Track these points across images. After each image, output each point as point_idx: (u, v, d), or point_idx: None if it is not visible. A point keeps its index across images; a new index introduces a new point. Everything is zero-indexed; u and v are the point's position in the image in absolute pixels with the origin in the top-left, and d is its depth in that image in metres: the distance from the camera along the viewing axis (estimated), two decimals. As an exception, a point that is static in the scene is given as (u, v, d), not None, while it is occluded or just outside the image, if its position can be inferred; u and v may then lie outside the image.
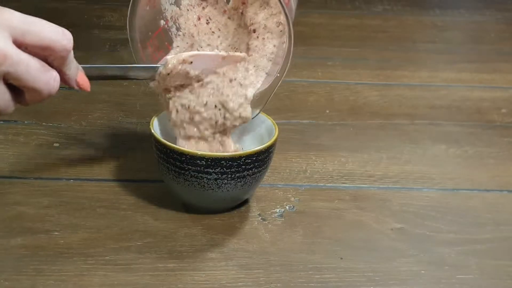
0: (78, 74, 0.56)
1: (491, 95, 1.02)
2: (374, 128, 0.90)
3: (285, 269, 0.63)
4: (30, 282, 0.59)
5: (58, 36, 0.51)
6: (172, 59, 0.63)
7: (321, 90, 1.00)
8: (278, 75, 0.67)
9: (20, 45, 0.49)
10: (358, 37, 1.22)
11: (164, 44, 0.70)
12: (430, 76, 1.07)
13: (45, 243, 0.64)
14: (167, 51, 0.70)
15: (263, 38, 0.68)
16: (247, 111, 0.67)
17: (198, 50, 0.69)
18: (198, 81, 0.65)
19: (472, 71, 1.10)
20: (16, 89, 0.51)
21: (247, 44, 0.68)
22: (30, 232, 0.65)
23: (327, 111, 0.94)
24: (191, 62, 0.64)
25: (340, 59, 1.11)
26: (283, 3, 0.62)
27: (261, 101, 0.68)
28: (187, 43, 0.70)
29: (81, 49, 1.07)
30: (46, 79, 0.51)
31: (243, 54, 0.67)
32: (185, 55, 0.64)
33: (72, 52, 0.53)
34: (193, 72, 0.64)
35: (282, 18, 0.65)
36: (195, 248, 0.65)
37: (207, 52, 0.66)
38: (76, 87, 0.56)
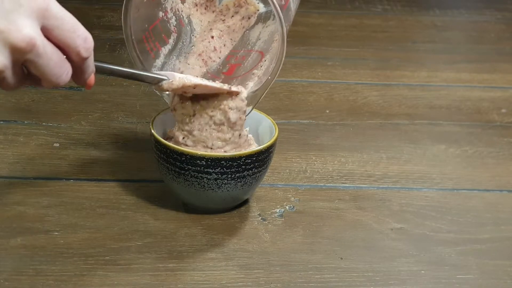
0: (90, 76, 0.56)
1: (491, 95, 1.02)
2: (373, 128, 0.90)
3: (285, 269, 0.63)
4: (30, 282, 0.59)
5: (80, 42, 0.51)
6: (179, 80, 0.63)
7: (320, 90, 1.00)
8: (270, 77, 0.67)
9: (46, 35, 0.50)
10: (357, 37, 1.22)
11: (161, 36, 0.70)
12: (430, 76, 1.07)
13: (45, 243, 0.64)
14: (163, 43, 0.69)
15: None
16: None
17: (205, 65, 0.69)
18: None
19: (472, 71, 1.10)
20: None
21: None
22: (30, 232, 0.65)
23: (327, 111, 0.94)
24: (194, 87, 0.64)
25: (339, 59, 1.11)
26: (276, 4, 0.61)
27: (253, 101, 0.68)
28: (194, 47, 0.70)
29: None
30: (60, 73, 0.51)
31: (241, 89, 0.67)
32: (191, 82, 0.64)
33: (89, 58, 0.53)
34: (191, 92, 0.65)
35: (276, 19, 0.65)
36: (195, 248, 0.65)
37: (213, 83, 0.65)
38: (80, 85, 0.56)
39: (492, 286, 0.63)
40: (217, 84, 0.65)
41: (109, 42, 1.09)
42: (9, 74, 0.49)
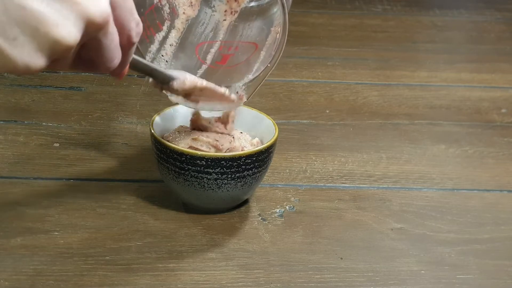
0: (127, 66, 0.52)
1: (491, 95, 1.02)
2: (373, 128, 0.90)
3: (285, 269, 0.63)
4: (30, 282, 0.59)
5: (133, 26, 0.48)
6: (191, 81, 0.63)
7: (320, 90, 1.00)
8: (269, 65, 0.66)
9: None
10: (357, 37, 1.22)
11: (155, 22, 0.69)
12: (430, 76, 1.08)
13: (45, 243, 0.64)
14: (157, 30, 0.69)
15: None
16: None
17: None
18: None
19: (472, 71, 1.10)
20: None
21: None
22: (30, 232, 0.65)
23: (327, 111, 0.94)
24: (202, 90, 0.64)
25: (339, 59, 1.11)
26: None
27: (250, 89, 0.68)
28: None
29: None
30: (114, 56, 0.48)
31: (242, 98, 0.68)
32: (202, 84, 0.63)
33: (135, 45, 0.50)
34: (198, 95, 0.65)
35: (278, 7, 0.65)
36: (195, 248, 0.65)
37: (219, 88, 0.65)
38: (114, 75, 0.52)
39: (492, 286, 0.63)
40: (222, 89, 0.65)
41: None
42: (72, 52, 0.45)
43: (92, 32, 0.45)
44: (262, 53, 0.68)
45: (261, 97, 0.94)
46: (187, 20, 0.70)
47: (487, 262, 0.65)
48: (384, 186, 0.77)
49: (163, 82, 0.61)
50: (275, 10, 0.68)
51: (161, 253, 0.64)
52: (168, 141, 0.67)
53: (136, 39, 0.49)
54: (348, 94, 0.99)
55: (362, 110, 0.95)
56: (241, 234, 0.67)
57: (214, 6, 0.69)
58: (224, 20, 0.69)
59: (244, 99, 0.68)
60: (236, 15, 0.69)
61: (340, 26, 1.26)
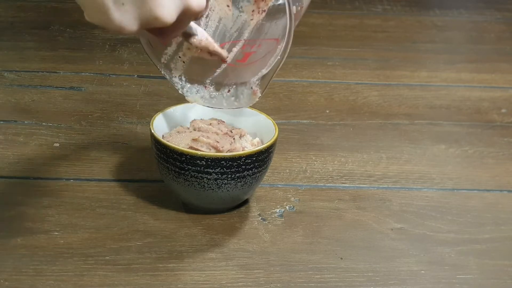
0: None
1: (491, 95, 1.02)
2: (373, 128, 0.90)
3: (285, 269, 0.63)
4: (30, 282, 0.59)
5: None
6: (207, 41, 0.64)
7: (320, 90, 1.00)
8: (279, 57, 0.67)
9: None
10: (357, 37, 1.22)
11: None
12: (430, 76, 1.08)
13: (45, 243, 0.64)
14: None
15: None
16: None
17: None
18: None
19: (472, 71, 1.10)
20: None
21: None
22: (30, 232, 0.65)
23: (327, 111, 0.94)
24: (211, 54, 0.65)
25: (340, 59, 1.11)
26: None
27: (264, 82, 0.68)
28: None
29: (82, 49, 1.07)
30: (182, 29, 0.56)
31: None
32: (214, 48, 0.65)
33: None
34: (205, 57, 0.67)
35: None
36: (195, 248, 0.65)
37: (223, 51, 0.66)
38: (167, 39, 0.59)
39: (492, 286, 0.63)
40: (224, 52, 0.66)
41: (109, 42, 1.09)
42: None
43: (184, 18, 0.52)
44: (279, 47, 0.68)
45: (261, 97, 0.94)
46: (219, 21, 0.70)
47: (487, 262, 0.65)
48: (384, 186, 0.77)
49: (187, 35, 0.64)
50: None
51: (161, 253, 0.64)
52: (168, 141, 0.67)
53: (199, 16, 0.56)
54: (348, 94, 0.99)
55: (362, 110, 0.95)
56: (241, 234, 0.67)
57: (241, 7, 0.69)
58: (252, 19, 0.69)
59: (259, 94, 0.68)
60: (263, 14, 0.69)
61: (340, 26, 1.26)
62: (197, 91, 0.70)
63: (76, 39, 1.09)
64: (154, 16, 0.50)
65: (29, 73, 0.98)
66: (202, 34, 0.64)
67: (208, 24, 0.69)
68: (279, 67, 0.67)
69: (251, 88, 0.68)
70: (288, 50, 0.66)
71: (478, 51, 1.20)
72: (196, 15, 0.53)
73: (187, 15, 0.52)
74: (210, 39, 0.65)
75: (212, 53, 0.66)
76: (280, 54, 0.66)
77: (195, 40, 0.64)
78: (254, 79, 0.69)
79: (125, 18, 0.50)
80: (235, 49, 0.70)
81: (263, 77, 0.68)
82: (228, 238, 0.66)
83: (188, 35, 0.64)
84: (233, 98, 0.70)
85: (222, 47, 0.68)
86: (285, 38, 0.65)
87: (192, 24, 0.64)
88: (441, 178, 0.79)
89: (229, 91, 0.70)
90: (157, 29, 0.54)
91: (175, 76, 0.70)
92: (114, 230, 0.66)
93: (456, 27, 1.33)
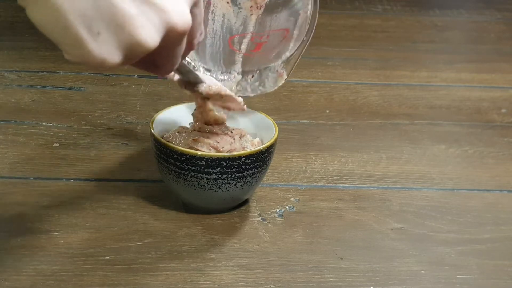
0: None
1: (491, 95, 1.02)
2: (373, 128, 0.90)
3: (285, 269, 0.63)
4: (30, 282, 0.59)
5: (197, 35, 0.51)
6: (216, 87, 0.65)
7: (320, 90, 1.00)
8: (305, 38, 0.67)
9: None
10: (358, 37, 1.22)
11: None
12: (430, 76, 1.08)
13: (45, 243, 0.64)
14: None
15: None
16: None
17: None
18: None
19: (472, 71, 1.10)
20: None
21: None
22: (30, 232, 0.65)
23: (327, 111, 0.94)
24: (222, 97, 0.66)
25: (339, 59, 1.11)
26: None
27: (289, 65, 0.69)
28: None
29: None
30: (176, 62, 0.50)
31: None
32: (225, 92, 0.65)
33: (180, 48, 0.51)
34: (217, 100, 0.67)
35: None
36: (195, 248, 0.65)
37: (237, 98, 0.67)
38: (163, 75, 0.54)
39: (492, 286, 0.63)
40: (239, 99, 0.67)
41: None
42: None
43: (170, 40, 0.46)
44: (295, 32, 0.69)
45: (261, 97, 0.94)
46: (223, 16, 0.71)
47: (487, 262, 0.65)
48: (384, 186, 0.77)
49: (190, 83, 0.64)
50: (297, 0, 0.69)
51: (161, 253, 0.64)
52: (168, 141, 0.67)
53: (196, 47, 0.51)
54: (348, 94, 0.99)
55: (362, 110, 0.95)
56: (241, 234, 0.67)
57: (239, 3, 0.70)
58: (251, 15, 0.70)
59: (285, 76, 0.69)
60: (262, 9, 0.70)
61: (340, 26, 1.26)
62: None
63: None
64: (135, 41, 0.44)
65: (29, 73, 0.98)
66: (210, 81, 0.64)
67: (214, 19, 0.69)
68: (305, 47, 0.68)
69: (277, 71, 0.69)
70: (313, 30, 0.67)
71: (478, 51, 1.20)
72: (182, 35, 0.46)
73: (173, 35, 0.46)
74: (220, 84, 0.65)
75: (225, 98, 0.66)
76: (305, 35, 0.67)
77: (203, 88, 0.64)
78: (279, 62, 0.69)
79: (105, 49, 0.44)
80: (245, 40, 0.70)
81: (288, 60, 0.69)
82: (228, 238, 0.66)
83: (194, 84, 0.64)
84: (257, 83, 0.71)
85: (232, 40, 0.68)
86: (309, 19, 0.66)
87: (199, 73, 0.64)
88: (441, 178, 0.79)
89: (252, 76, 0.70)
90: (150, 64, 0.49)
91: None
92: (114, 230, 0.66)
93: (456, 27, 1.33)
